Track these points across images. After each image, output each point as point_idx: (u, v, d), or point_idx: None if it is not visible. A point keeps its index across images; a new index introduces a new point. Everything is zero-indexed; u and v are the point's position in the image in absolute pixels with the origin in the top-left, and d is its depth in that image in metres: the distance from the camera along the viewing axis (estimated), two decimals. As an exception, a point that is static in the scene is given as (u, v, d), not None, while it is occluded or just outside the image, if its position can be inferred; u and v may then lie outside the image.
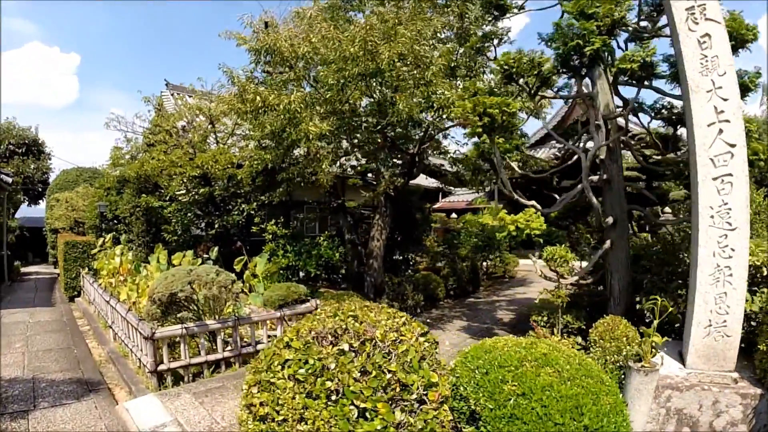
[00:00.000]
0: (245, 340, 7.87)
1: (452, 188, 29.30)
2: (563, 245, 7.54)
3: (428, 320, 11.27)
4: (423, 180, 21.00)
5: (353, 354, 3.44)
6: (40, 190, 27.25)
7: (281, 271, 11.01)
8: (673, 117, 8.37)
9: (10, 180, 16.78)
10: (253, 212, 12.50)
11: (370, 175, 17.89)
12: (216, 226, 12.25)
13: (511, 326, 10.85)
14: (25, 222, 28.09)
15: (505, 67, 7.32)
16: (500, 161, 7.84)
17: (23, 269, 24.17)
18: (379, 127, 8.99)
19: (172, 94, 18.30)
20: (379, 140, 10.38)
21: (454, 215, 22.02)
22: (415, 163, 12.88)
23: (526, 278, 17.79)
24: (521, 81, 7.62)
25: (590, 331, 6.84)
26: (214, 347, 7.33)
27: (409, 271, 14.70)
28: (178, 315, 6.79)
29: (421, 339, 3.91)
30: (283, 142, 9.90)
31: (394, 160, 12.64)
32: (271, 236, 11.95)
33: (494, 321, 11.27)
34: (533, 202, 7.90)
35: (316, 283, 12.82)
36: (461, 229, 18.20)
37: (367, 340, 3.57)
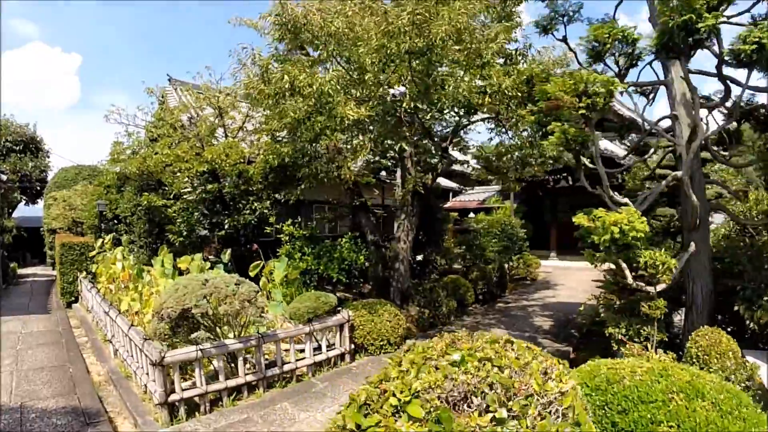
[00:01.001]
0: (266, 356, 6.63)
1: (464, 188, 28.16)
2: (655, 249, 6.30)
3: (464, 329, 9.99)
4: (440, 179, 19.83)
5: (514, 423, 2.20)
6: (38, 188, 25.85)
7: (299, 276, 9.75)
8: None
9: (4, 178, 15.52)
10: (266, 211, 11.23)
11: (383, 173, 16.72)
12: (226, 226, 10.95)
13: (554, 335, 9.63)
14: (22, 222, 26.65)
15: (594, 43, 6.08)
16: (598, 150, 6.58)
17: (20, 270, 22.80)
18: (419, 114, 7.76)
19: (175, 89, 17.00)
20: (416, 128, 9.11)
21: (472, 215, 20.80)
22: (444, 156, 11.65)
23: (548, 280, 16.59)
24: (610, 60, 6.41)
25: (688, 345, 5.87)
26: (235, 370, 6.07)
27: (434, 275, 13.45)
28: (191, 336, 5.52)
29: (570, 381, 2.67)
30: (304, 134, 8.63)
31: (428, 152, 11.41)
32: (287, 237, 10.68)
33: (534, 329, 10.04)
34: (626, 200, 6.67)
35: (336, 288, 11.57)
36: (481, 229, 17.00)
37: (529, 397, 2.33)
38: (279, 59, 7.34)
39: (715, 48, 5.79)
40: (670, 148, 7.44)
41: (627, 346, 6.15)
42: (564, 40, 7.40)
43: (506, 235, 17.20)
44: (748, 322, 5.94)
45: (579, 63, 7.30)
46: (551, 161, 11.61)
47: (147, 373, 5.86)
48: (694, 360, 5.60)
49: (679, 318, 8.08)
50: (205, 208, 11.31)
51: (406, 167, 11.72)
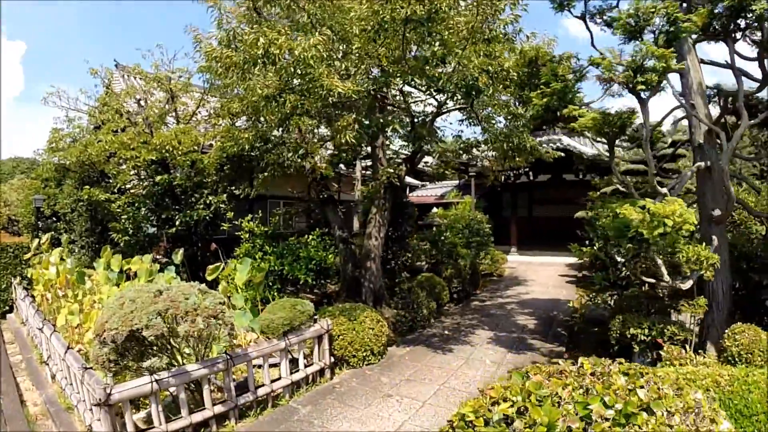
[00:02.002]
0: (234, 378, 5.45)
1: (422, 183, 27.52)
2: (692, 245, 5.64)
3: (446, 332, 9.16)
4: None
5: None
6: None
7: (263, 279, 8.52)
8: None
9: None
10: (222, 206, 9.90)
11: (342, 166, 15.62)
12: (177, 223, 9.53)
13: (541, 334, 8.96)
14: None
15: (632, 20, 5.31)
16: (649, 132, 5.80)
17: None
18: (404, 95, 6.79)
19: (123, 75, 15.12)
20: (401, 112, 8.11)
21: (435, 209, 20.07)
22: (420, 146, 10.73)
23: (516, 276, 16.10)
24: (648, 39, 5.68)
25: (726, 343, 5.40)
26: (200, 400, 4.86)
27: (405, 273, 12.53)
28: (144, 364, 4.26)
29: None
30: (271, 116, 7.43)
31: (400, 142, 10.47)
32: (247, 235, 9.42)
33: (520, 329, 9.34)
34: (665, 190, 5.95)
35: (299, 290, 10.40)
36: (447, 224, 16.28)
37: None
38: (252, 20, 6.10)
39: (756, 36, 5.22)
40: (685, 140, 6.82)
41: (665, 348, 5.49)
42: (583, 17, 6.63)
43: (473, 230, 16.60)
44: None
45: (593, 46, 6.58)
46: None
47: (90, 410, 4.54)
48: (737, 359, 5.15)
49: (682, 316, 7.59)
50: (153, 203, 9.83)
51: (377, 157, 10.71)
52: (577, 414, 2.05)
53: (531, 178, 20.26)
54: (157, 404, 4.32)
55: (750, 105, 6.71)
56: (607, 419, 2.02)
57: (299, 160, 9.34)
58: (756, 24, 4.98)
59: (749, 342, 5.08)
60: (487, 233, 16.86)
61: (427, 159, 14.57)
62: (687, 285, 5.51)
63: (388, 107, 8.50)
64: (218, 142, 9.61)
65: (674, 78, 6.67)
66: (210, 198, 9.99)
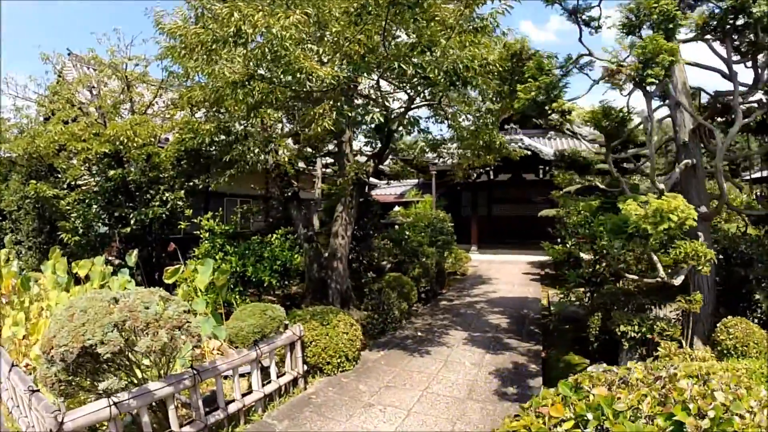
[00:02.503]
0: (201, 391, 4.85)
1: (380, 181, 27.16)
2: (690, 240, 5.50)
3: (419, 333, 8.82)
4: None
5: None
6: None
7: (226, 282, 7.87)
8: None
9: None
10: (180, 203, 9.15)
11: (301, 164, 15.03)
12: (131, 221, 8.70)
13: (516, 333, 8.78)
14: None
15: (631, 14, 5.08)
16: (653, 127, 5.57)
17: None
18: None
19: (75, 66, 13.85)
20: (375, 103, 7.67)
21: (397, 208, 19.80)
22: (390, 142, 10.34)
23: (479, 275, 16.03)
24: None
25: (720, 336, 5.37)
26: (164, 421, 4.25)
27: (371, 273, 12.13)
28: (101, 386, 3.61)
29: None
30: (235, 106, 6.82)
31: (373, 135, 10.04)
32: (207, 234, 8.73)
33: (493, 328, 9.13)
34: (662, 186, 5.77)
35: (262, 293, 9.78)
36: (410, 223, 16.02)
37: None
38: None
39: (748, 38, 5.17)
40: (667, 137, 6.74)
41: (662, 345, 5.37)
42: (574, 12, 6.43)
43: (436, 229, 16.41)
44: None
45: (581, 42, 6.39)
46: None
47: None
48: (732, 351, 5.14)
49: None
50: (105, 200, 8.97)
51: (344, 153, 10.26)
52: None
53: (491, 177, 20.35)
54: (117, 430, 3.69)
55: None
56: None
57: (263, 156, 8.75)
58: (753, 25, 4.93)
59: (744, 335, 5.07)
60: (451, 232, 16.75)
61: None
62: (678, 281, 5.41)
63: (361, 99, 8.06)
64: (176, 134, 8.87)
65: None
66: (167, 195, 9.20)
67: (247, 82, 5.77)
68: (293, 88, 6.16)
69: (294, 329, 6.09)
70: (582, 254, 9.88)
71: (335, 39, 5.61)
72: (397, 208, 19.26)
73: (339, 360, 6.67)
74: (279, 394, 5.68)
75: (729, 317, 5.43)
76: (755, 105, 5.94)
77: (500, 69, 6.19)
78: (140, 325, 3.65)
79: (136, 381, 4.00)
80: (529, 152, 15.71)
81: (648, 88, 4.96)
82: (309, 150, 12.17)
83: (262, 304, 5.92)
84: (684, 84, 6.14)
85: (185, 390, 4.33)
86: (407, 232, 14.34)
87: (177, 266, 7.04)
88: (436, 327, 9.27)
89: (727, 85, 6.15)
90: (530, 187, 21.08)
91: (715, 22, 4.83)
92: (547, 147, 18.06)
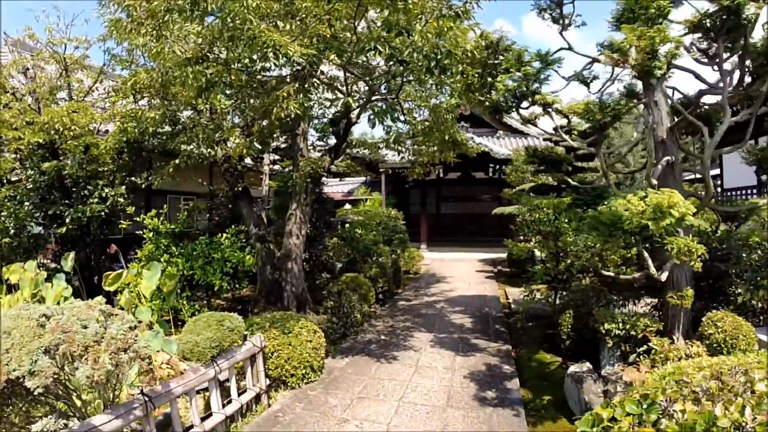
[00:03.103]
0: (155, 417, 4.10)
1: (327, 178, 26.45)
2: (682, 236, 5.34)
3: (383, 337, 8.34)
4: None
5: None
6: None
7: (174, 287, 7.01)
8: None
9: None
10: (121, 200, 8.14)
11: (248, 160, 14.19)
12: (67, 220, 7.62)
13: (482, 333, 8.51)
14: None
15: (626, 8, 4.81)
16: (656, 120, 5.29)
17: None
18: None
19: (11, 51, 12.10)
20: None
21: (348, 206, 19.18)
22: (347, 136, 9.78)
23: (433, 273, 15.78)
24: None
25: (709, 330, 5.27)
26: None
27: (325, 273, 11.51)
28: (34, 429, 2.80)
29: None
30: (185, 89, 6.03)
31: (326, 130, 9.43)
32: (151, 234, 7.80)
33: (458, 329, 8.81)
34: (654, 180, 5.56)
35: (211, 297, 8.93)
36: (361, 221, 15.52)
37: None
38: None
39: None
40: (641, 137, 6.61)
41: (654, 341, 5.23)
42: (560, 3, 6.14)
43: (388, 227, 16.03)
44: (756, 302, 5.55)
45: (562, 35, 6.12)
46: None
47: None
48: (722, 345, 5.01)
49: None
50: (39, 196, 7.84)
51: (298, 147, 9.59)
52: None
53: (440, 175, 20.26)
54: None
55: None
56: None
57: (211, 149, 7.93)
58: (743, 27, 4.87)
59: (732, 328, 5.01)
60: (402, 230, 16.44)
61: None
62: (665, 276, 5.28)
63: (324, 86, 7.46)
64: (118, 122, 7.90)
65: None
66: (106, 191, 8.20)
67: (200, 60, 5.03)
68: (251, 70, 5.48)
69: (254, 340, 5.42)
70: (536, 251, 9.82)
71: (303, 17, 5.01)
72: (347, 206, 18.67)
73: (304, 371, 6.05)
74: (242, 414, 5.00)
75: (715, 311, 5.38)
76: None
77: (478, 58, 5.82)
78: (77, 350, 2.90)
79: (76, 414, 3.22)
80: (486, 149, 15.67)
81: (652, 80, 4.75)
82: (257, 146, 11.37)
83: (218, 313, 5.19)
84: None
85: (138, 420, 3.58)
86: (359, 231, 13.84)
87: (118, 271, 6.14)
88: (399, 329, 8.83)
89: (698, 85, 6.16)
90: (479, 185, 21.24)
91: (710, 21, 4.71)
92: (497, 146, 18.17)
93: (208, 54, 4.99)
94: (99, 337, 3.04)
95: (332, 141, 12.02)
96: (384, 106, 5.83)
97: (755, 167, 5.67)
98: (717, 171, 15.20)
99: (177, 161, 8.02)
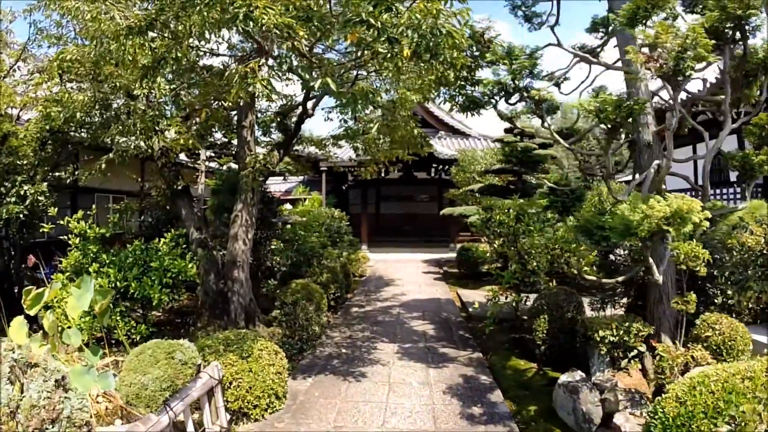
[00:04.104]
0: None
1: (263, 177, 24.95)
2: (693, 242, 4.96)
3: (343, 350, 7.50)
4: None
5: None
6: None
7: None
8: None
9: None
10: (42, 198, 6.71)
11: (183, 156, 12.78)
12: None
13: (448, 341, 7.94)
14: None
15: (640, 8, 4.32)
16: (676, 122, 4.77)
17: None
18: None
19: None
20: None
21: (289, 206, 17.95)
22: (299, 130, 8.82)
23: (380, 276, 15.08)
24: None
25: (706, 333, 5.02)
26: None
27: (272, 280, 10.44)
28: None
29: None
30: (127, 68, 4.88)
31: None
32: (77, 239, 6.46)
33: (421, 337, 8.18)
34: (639, 177, 5.13)
35: (154, 309, 7.65)
36: (304, 223, 14.51)
37: None
38: None
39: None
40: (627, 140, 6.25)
41: (661, 347, 4.88)
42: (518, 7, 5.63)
43: (333, 229, 15.15)
44: (745, 303, 5.37)
45: (553, 31, 5.63)
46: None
47: None
48: (721, 347, 4.80)
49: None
50: None
51: (245, 140, 8.50)
52: None
53: (381, 174, 19.67)
54: None
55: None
56: None
57: (149, 141, 6.70)
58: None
59: (730, 330, 4.81)
60: (347, 232, 15.64)
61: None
62: (661, 279, 4.95)
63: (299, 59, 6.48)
64: (40, 107, 6.47)
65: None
66: (25, 188, 6.69)
67: (144, 31, 3.96)
68: (201, 48, 4.49)
69: (210, 371, 4.41)
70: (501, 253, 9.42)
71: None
72: (288, 206, 17.52)
73: (268, 400, 5.10)
74: (200, 463, 4.01)
75: (708, 313, 5.17)
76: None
77: (465, 47, 5.20)
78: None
79: None
80: (431, 150, 15.22)
81: (679, 80, 4.34)
82: (197, 139, 10.08)
83: (166, 342, 4.14)
84: (646, 86, 5.79)
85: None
86: (301, 233, 12.83)
87: (39, 291, 4.80)
88: (359, 340, 8.04)
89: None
90: (421, 185, 20.88)
91: (722, 26, 4.42)
92: (440, 146, 17.86)
93: (155, 21, 3.92)
94: (16, 406, 2.01)
95: (276, 136, 11.02)
96: (366, 91, 5.01)
97: (738, 173, 5.50)
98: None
99: (111, 155, 6.72)
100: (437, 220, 21.09)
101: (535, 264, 7.92)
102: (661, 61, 4.12)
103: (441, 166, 18.36)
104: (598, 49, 7.41)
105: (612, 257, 7.98)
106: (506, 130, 13.42)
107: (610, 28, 7.11)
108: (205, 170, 15.13)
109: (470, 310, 9.72)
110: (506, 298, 8.16)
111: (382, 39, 4.18)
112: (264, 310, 9.32)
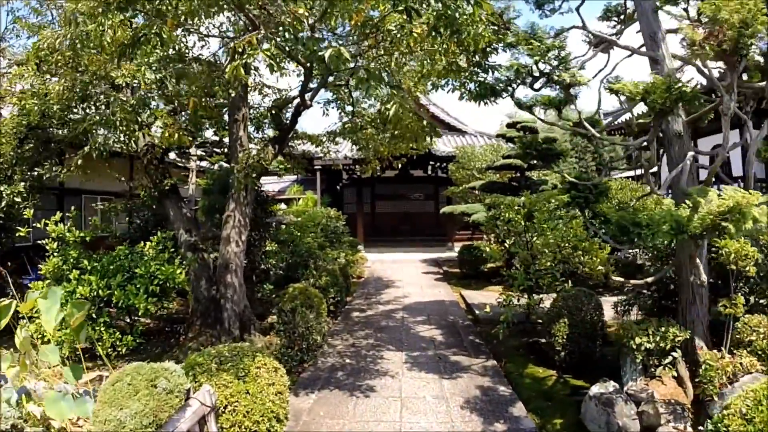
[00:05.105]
0: None
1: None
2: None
3: (347, 360, 6.85)
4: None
5: None
6: None
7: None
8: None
9: None
10: (19, 200, 6.05)
11: (171, 154, 12.08)
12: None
13: (459, 347, 7.33)
14: None
15: None
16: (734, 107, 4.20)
17: None
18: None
19: None
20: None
21: (284, 206, 17.26)
22: (295, 123, 8.16)
23: (379, 277, 14.44)
24: None
25: (748, 337, 4.56)
26: None
27: (267, 284, 9.77)
28: None
29: None
30: (110, 44, 4.20)
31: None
32: (56, 243, 5.80)
33: (430, 344, 7.56)
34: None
35: (132, 319, 6.96)
36: (299, 223, 13.83)
37: None
38: None
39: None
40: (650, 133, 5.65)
41: (705, 354, 4.34)
42: None
43: (329, 229, 14.49)
44: None
45: (578, 12, 5.00)
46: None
47: None
48: (766, 352, 4.36)
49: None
50: None
51: (237, 136, 7.82)
52: None
53: (376, 173, 19.05)
54: None
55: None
56: None
57: (131, 134, 6.01)
58: None
59: None
60: (345, 232, 15.00)
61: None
62: (704, 279, 4.39)
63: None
64: (15, 99, 5.80)
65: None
66: (1, 188, 5.99)
67: (125, 6, 3.30)
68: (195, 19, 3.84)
69: (202, 396, 3.75)
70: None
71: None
72: (282, 206, 16.83)
73: (268, 424, 4.45)
74: None
75: (749, 315, 4.65)
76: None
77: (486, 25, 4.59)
78: None
79: None
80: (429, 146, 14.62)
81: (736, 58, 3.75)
82: (188, 135, 9.38)
83: (148, 367, 3.46)
84: (673, 72, 5.21)
85: None
86: (297, 233, 12.15)
87: (7, 301, 4.11)
88: (364, 348, 7.41)
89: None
90: (417, 183, 20.30)
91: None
92: (442, 146, 17.26)
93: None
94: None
95: (271, 133, 10.35)
96: (377, 71, 4.35)
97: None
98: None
99: (87, 149, 6.03)
100: (434, 219, 20.54)
101: (549, 264, 7.37)
102: (721, 36, 3.53)
103: (438, 164, 17.78)
104: (614, 38, 6.87)
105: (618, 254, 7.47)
106: (509, 125, 12.92)
107: (622, 17, 6.60)
108: (196, 169, 14.42)
109: (477, 313, 9.15)
110: (518, 300, 7.60)
111: (400, 8, 3.55)
112: (259, 316, 8.69)
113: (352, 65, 5.97)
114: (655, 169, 16.24)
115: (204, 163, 15.59)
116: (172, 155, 14.31)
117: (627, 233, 4.41)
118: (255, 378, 4.50)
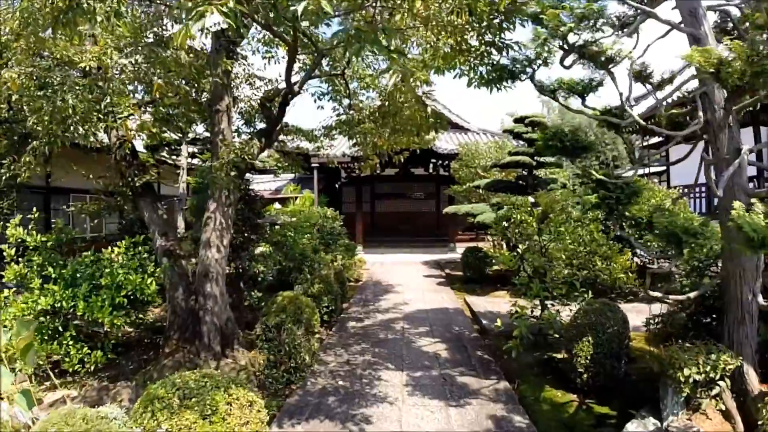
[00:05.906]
0: None
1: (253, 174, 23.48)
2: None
3: (340, 381, 6.06)
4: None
5: None
6: None
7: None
8: None
9: None
10: None
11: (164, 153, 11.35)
12: None
13: (466, 365, 6.54)
14: None
15: None
16: None
17: None
18: None
19: None
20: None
21: (278, 205, 16.44)
22: (283, 114, 7.36)
23: (377, 280, 13.63)
24: None
25: None
26: None
27: (255, 291, 9.00)
28: None
29: None
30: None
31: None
32: (14, 249, 5.08)
33: (433, 361, 6.76)
34: None
35: (95, 332, 6.20)
36: (294, 224, 13.04)
37: None
38: None
39: None
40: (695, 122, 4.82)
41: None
42: None
43: (326, 230, 13.72)
44: None
45: None
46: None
47: None
48: None
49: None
50: None
51: (220, 129, 7.01)
52: None
53: (376, 171, 18.26)
54: None
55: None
56: None
57: (93, 128, 5.22)
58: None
59: None
60: (342, 233, 14.23)
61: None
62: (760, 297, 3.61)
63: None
64: None
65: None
66: None
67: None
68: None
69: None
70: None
71: None
72: (277, 206, 16.04)
73: (240, 473, 3.67)
74: None
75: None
76: None
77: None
78: None
79: None
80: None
81: None
82: (166, 128, 8.59)
83: (81, 412, 2.71)
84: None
85: None
86: (291, 234, 11.35)
87: None
88: (359, 367, 6.61)
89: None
90: (418, 182, 19.53)
91: None
92: (438, 140, 16.45)
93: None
94: None
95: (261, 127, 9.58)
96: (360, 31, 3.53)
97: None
98: (662, 168, 14.64)
99: (35, 144, 5.24)
100: (436, 219, 19.78)
101: (566, 272, 6.60)
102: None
103: (440, 162, 16.98)
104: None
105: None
106: (516, 120, 12.17)
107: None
108: (187, 167, 13.65)
109: (484, 323, 8.38)
110: (532, 312, 6.83)
111: None
112: (248, 324, 7.95)
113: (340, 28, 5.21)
114: (662, 168, 15.38)
115: (196, 161, 14.83)
116: (163, 153, 13.54)
117: (678, 243, 3.62)
118: (224, 417, 3.71)
